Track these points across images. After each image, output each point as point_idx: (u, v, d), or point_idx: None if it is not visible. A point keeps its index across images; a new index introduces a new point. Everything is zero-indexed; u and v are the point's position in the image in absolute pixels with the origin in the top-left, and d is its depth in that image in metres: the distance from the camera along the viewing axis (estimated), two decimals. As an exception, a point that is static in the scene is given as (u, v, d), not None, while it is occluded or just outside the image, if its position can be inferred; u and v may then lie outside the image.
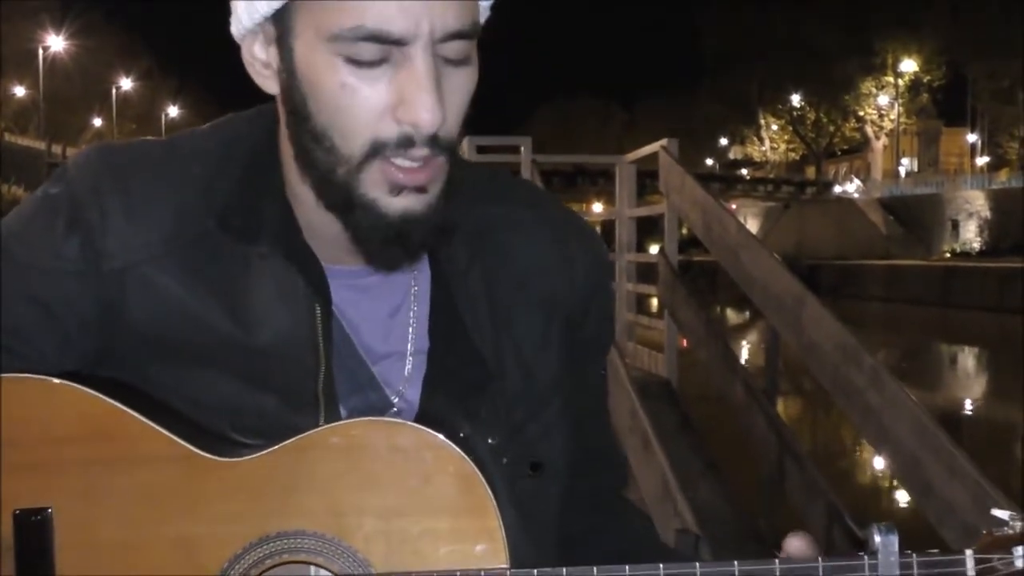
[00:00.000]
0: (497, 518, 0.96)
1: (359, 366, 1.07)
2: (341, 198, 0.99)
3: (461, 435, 1.03)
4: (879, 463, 10.41)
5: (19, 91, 54.76)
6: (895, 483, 9.37)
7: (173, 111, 67.95)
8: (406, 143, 0.96)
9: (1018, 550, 0.91)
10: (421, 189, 0.98)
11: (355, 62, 0.94)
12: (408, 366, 1.08)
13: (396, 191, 0.98)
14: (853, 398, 3.53)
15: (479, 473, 0.96)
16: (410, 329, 1.09)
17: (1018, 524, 0.92)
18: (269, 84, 1.03)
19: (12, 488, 0.97)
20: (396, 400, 1.07)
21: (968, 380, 21.07)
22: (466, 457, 0.97)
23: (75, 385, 0.99)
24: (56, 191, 1.05)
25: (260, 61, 1.02)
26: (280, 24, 0.98)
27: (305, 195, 1.04)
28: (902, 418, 3.15)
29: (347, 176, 0.98)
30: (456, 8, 0.95)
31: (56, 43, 54.34)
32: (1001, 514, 0.93)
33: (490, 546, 0.96)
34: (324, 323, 1.04)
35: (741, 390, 5.01)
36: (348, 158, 0.97)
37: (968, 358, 24.73)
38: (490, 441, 1.06)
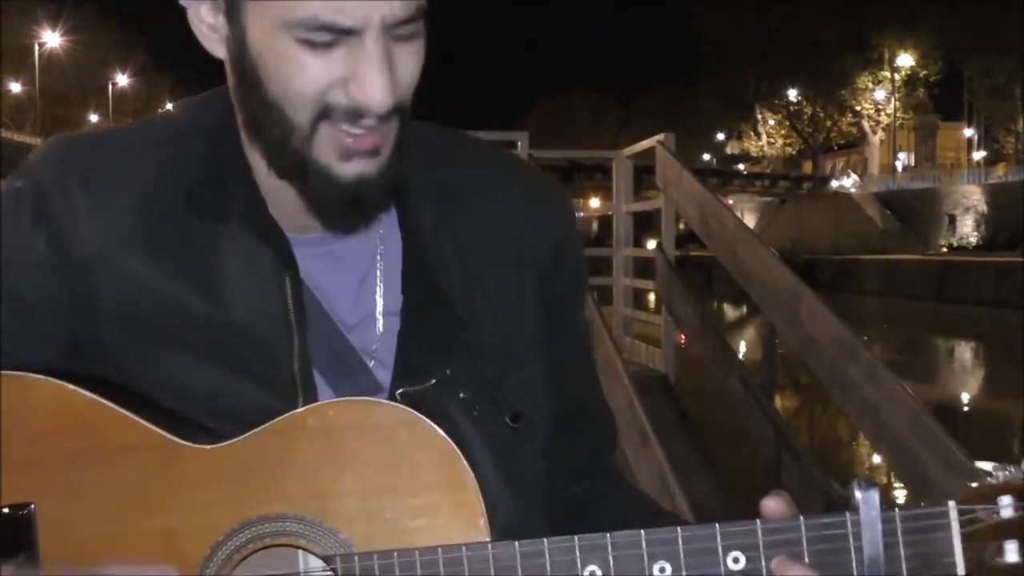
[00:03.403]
0: (476, 492, 0.96)
1: (333, 332, 1.08)
2: (294, 166, 1.01)
3: (433, 384, 1.04)
4: (876, 457, 10.44)
5: (15, 87, 54.66)
6: (892, 476, 9.39)
7: (169, 107, 67.65)
8: (355, 114, 0.98)
9: (1003, 499, 0.90)
10: (373, 152, 1.00)
11: (308, 43, 0.96)
12: (379, 327, 1.09)
13: (347, 156, 1.00)
14: (850, 392, 3.54)
15: (456, 448, 0.97)
16: (379, 289, 1.10)
17: (1001, 474, 0.90)
18: (216, 48, 1.03)
19: None
20: (372, 364, 1.08)
21: (964, 374, 21.09)
22: (441, 432, 0.97)
23: (53, 380, 0.99)
24: (20, 185, 1.05)
25: (207, 24, 1.03)
26: None
27: (259, 164, 1.05)
28: (899, 412, 3.15)
29: (299, 144, 0.99)
30: None
31: (52, 39, 54.23)
32: (985, 465, 0.92)
33: (471, 520, 0.96)
34: (295, 294, 1.05)
35: (738, 384, 5.02)
36: (299, 126, 0.99)
37: (964, 352, 24.76)
38: (462, 396, 1.06)
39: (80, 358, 1.05)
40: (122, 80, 62.50)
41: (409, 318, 1.09)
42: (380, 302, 1.10)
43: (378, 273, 1.10)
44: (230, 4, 0.99)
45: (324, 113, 0.98)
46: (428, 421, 0.97)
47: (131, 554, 0.97)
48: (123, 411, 0.99)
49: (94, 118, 61.65)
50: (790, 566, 0.91)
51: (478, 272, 1.11)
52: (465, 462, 0.97)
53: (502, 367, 1.10)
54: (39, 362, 1.02)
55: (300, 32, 0.95)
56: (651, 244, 8.82)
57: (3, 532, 0.97)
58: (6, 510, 0.97)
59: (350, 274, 1.10)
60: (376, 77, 0.96)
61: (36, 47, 52.30)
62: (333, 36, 0.95)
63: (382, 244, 1.10)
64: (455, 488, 0.97)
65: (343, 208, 1.02)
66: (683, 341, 7.19)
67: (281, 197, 1.05)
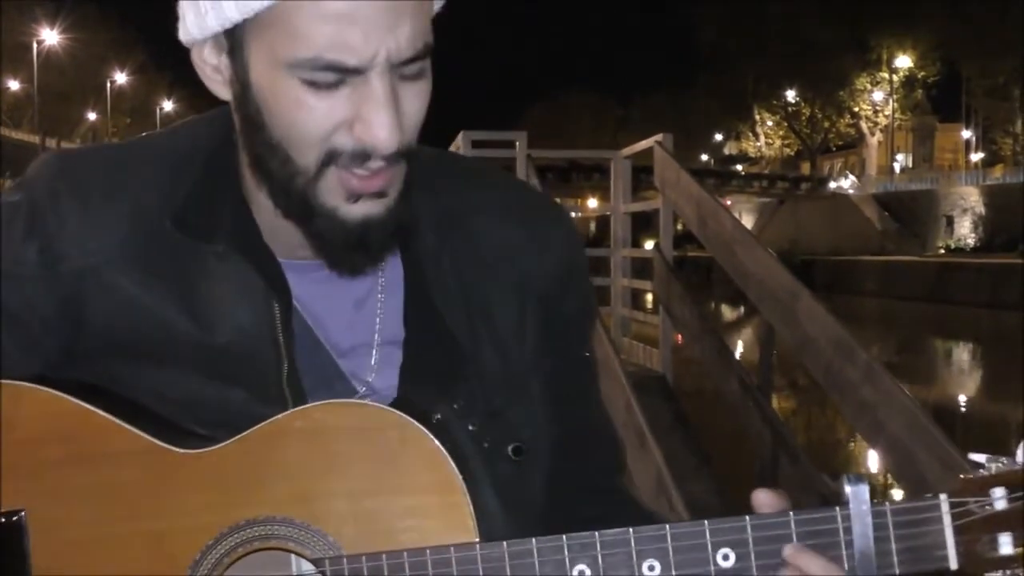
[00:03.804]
0: (464, 493, 0.96)
1: (325, 359, 1.08)
2: (300, 208, 1.00)
3: (439, 419, 1.03)
4: (873, 457, 10.45)
5: (13, 85, 54.63)
6: (889, 478, 9.40)
7: (168, 105, 67.81)
8: (362, 156, 0.96)
9: (996, 491, 0.88)
10: (380, 194, 0.99)
11: (312, 84, 0.94)
12: (375, 356, 1.09)
13: (354, 198, 0.98)
14: (847, 393, 3.54)
15: (443, 449, 0.96)
16: (377, 319, 1.09)
17: (994, 466, 0.89)
18: (219, 89, 1.03)
19: None
20: (363, 390, 1.08)
21: (962, 375, 21.11)
22: (429, 434, 0.96)
23: (41, 387, 0.99)
24: (16, 199, 1.07)
25: (210, 66, 1.02)
26: (232, 38, 0.98)
27: (263, 198, 1.04)
28: (896, 413, 3.15)
29: (305, 186, 0.98)
30: (409, 36, 0.95)
31: (50, 37, 54.18)
32: (978, 457, 0.90)
33: (460, 521, 0.96)
34: (284, 319, 1.04)
35: (736, 385, 5.02)
36: (304, 169, 0.98)
37: (962, 354, 24.79)
38: (470, 428, 1.06)
39: (71, 367, 1.05)
40: (120, 78, 62.43)
41: (412, 351, 1.08)
42: (378, 331, 1.09)
43: (379, 303, 1.09)
44: (232, 44, 0.98)
45: (330, 156, 0.97)
46: (416, 423, 0.97)
47: (122, 557, 0.97)
48: (112, 417, 0.99)
49: (92, 116, 61.62)
50: (804, 554, 0.90)
51: (482, 301, 1.10)
52: (453, 464, 0.96)
53: (506, 396, 1.09)
54: (30, 372, 1.02)
55: (303, 72, 0.94)
56: (649, 244, 8.83)
57: None
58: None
59: (345, 300, 1.09)
60: (382, 118, 0.94)
61: (34, 45, 52.24)
62: (338, 76, 0.94)
63: (383, 273, 1.09)
64: (443, 489, 0.96)
65: (349, 250, 1.01)
66: (681, 341, 7.18)
67: (278, 224, 1.05)
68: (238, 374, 1.03)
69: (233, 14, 0.95)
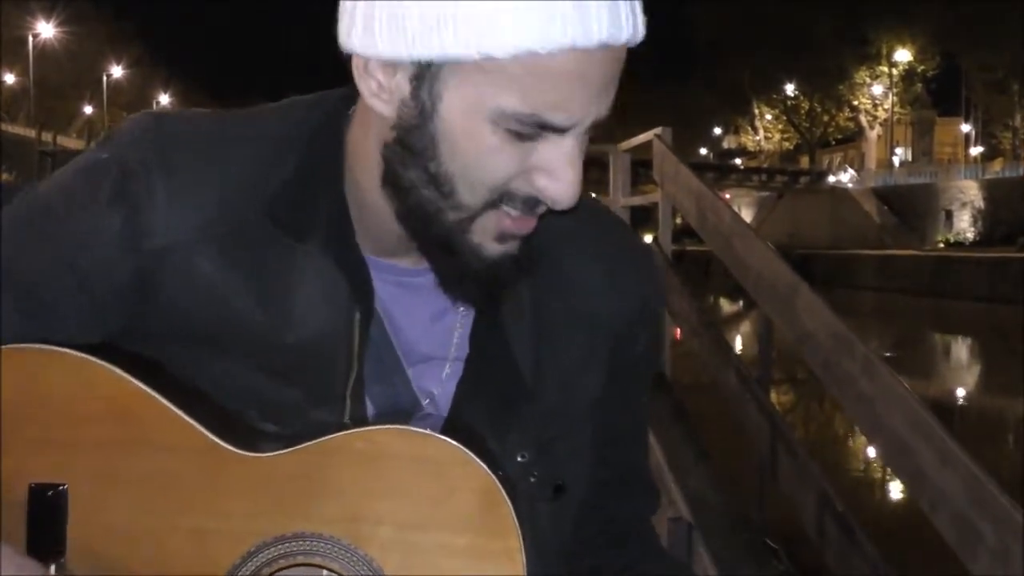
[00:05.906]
0: (518, 539, 0.93)
1: (395, 364, 1.04)
2: (440, 240, 0.96)
3: (489, 448, 1.00)
4: (871, 451, 10.46)
5: (9, 79, 54.56)
6: (887, 471, 9.41)
7: (164, 99, 67.74)
8: (532, 203, 0.94)
9: None
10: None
11: (514, 134, 0.91)
12: (446, 370, 1.05)
13: (503, 239, 0.96)
14: (846, 386, 3.54)
15: (504, 492, 0.93)
16: (455, 334, 1.06)
17: None
18: (380, 105, 0.94)
19: (29, 461, 0.96)
20: (426, 403, 1.05)
21: (960, 369, 21.14)
22: (492, 475, 0.93)
23: (102, 363, 0.96)
24: (106, 156, 1.01)
25: (376, 81, 0.94)
26: (428, 66, 0.90)
27: (370, 196, 0.99)
28: (894, 406, 3.15)
29: (457, 222, 0.95)
30: (611, 101, 0.94)
31: (46, 30, 54.14)
32: None
33: (509, 568, 0.93)
34: (362, 329, 1.01)
35: (734, 379, 5.02)
36: (466, 207, 0.94)
37: (961, 348, 24.82)
38: (519, 459, 1.03)
39: (127, 340, 1.01)
40: (117, 72, 62.39)
41: (472, 371, 1.05)
42: (454, 345, 1.06)
43: (458, 319, 1.06)
44: (422, 72, 0.91)
45: (500, 199, 0.94)
46: (480, 462, 0.94)
47: (158, 550, 0.96)
48: (170, 406, 0.96)
49: (88, 110, 61.58)
50: None
51: (552, 333, 1.07)
52: (512, 508, 0.93)
53: (556, 432, 1.07)
54: (90, 339, 0.99)
55: (510, 123, 0.89)
56: (648, 238, 8.82)
57: (33, 509, 0.96)
58: (35, 486, 0.96)
59: (426, 309, 1.05)
60: (572, 175, 0.93)
61: (30, 38, 52.18)
62: (542, 131, 0.91)
63: None
64: (498, 534, 0.93)
65: (481, 285, 0.98)
66: (679, 336, 7.19)
67: (383, 227, 1.00)
68: (301, 374, 1.00)
69: (469, 51, 0.87)
